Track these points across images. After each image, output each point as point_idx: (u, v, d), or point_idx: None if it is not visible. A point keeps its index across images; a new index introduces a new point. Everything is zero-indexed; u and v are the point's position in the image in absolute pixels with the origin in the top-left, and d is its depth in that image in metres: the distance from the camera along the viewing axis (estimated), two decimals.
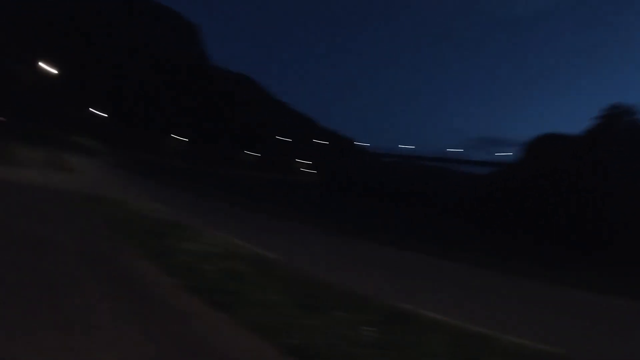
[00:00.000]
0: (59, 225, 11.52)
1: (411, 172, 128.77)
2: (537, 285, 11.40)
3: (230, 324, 6.51)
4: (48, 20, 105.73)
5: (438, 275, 11.04)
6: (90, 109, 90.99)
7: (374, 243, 14.59)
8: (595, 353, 7.11)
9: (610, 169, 43.33)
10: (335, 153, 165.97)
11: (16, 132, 31.07)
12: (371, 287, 7.62)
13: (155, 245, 10.01)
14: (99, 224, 12.53)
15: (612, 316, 10.11)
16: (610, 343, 7.97)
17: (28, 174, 20.23)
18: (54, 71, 32.49)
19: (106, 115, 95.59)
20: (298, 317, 6.35)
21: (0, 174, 17.68)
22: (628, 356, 7.25)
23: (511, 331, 6.68)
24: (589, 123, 56.16)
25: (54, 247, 9.32)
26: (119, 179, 23.37)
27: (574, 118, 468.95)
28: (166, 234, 10.66)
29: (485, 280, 11.12)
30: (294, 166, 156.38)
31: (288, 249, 11.60)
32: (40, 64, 31.40)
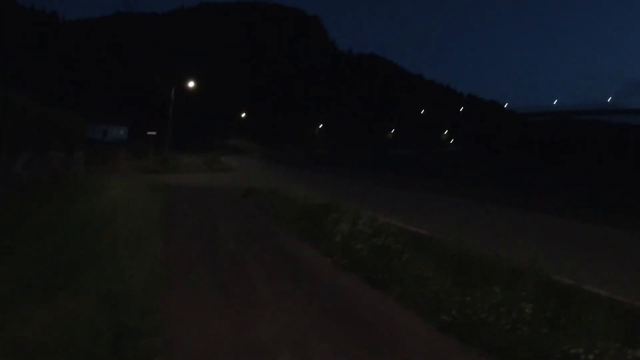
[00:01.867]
0: (223, 216, 13.00)
1: (564, 130, 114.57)
2: None
3: (385, 300, 6.62)
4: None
5: (608, 248, 9.44)
6: (236, 113, 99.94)
7: (535, 212, 13.19)
8: None
9: None
10: (481, 118, 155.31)
11: (174, 144, 35.90)
12: (528, 259, 6.86)
13: (310, 228, 10.62)
14: (257, 212, 13.81)
15: None
16: None
17: (191, 177, 23.40)
18: (194, 85, 36.56)
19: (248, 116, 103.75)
20: (452, 293, 6.28)
21: (169, 179, 20.88)
22: None
23: None
24: None
25: (220, 234, 10.59)
26: (269, 171, 25.43)
27: None
28: (319, 217, 11.20)
29: None
30: (439, 138, 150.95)
31: (443, 224, 11.19)
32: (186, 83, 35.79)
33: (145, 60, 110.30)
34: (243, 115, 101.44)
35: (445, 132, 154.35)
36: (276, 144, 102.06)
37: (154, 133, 29.69)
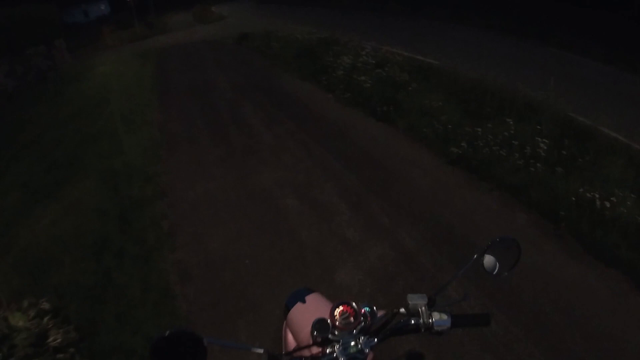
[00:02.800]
0: (219, 67, 12.22)
1: None
2: None
3: (391, 133, 6.34)
4: None
5: (623, 88, 8.47)
6: None
7: (543, 44, 11.82)
8: None
9: None
10: None
11: (159, 4, 32.78)
12: (542, 94, 6.17)
13: (310, 65, 9.89)
14: (253, 57, 12.93)
15: None
16: None
17: (181, 35, 21.82)
18: None
19: None
20: (462, 124, 5.87)
21: (159, 42, 19.56)
22: None
23: None
24: None
25: (217, 86, 10.05)
26: (265, 15, 23.31)
27: None
28: (319, 53, 10.37)
29: None
30: None
31: (450, 54, 10.25)
32: None
33: None
34: None
35: None
36: None
37: None
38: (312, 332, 1.11)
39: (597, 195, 3.98)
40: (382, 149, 5.90)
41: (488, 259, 1.35)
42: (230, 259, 3.94)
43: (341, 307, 1.13)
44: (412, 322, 1.17)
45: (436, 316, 1.16)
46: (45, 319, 3.15)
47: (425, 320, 1.16)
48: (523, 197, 4.45)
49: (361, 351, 1.10)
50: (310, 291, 1.84)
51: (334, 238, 4.07)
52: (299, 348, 1.30)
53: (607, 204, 3.87)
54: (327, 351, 1.11)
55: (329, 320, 1.12)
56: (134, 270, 3.96)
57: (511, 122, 5.43)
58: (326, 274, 3.62)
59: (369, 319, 1.14)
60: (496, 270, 1.34)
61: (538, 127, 5.30)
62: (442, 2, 18.09)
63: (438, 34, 13.69)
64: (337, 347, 1.10)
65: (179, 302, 3.53)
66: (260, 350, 1.05)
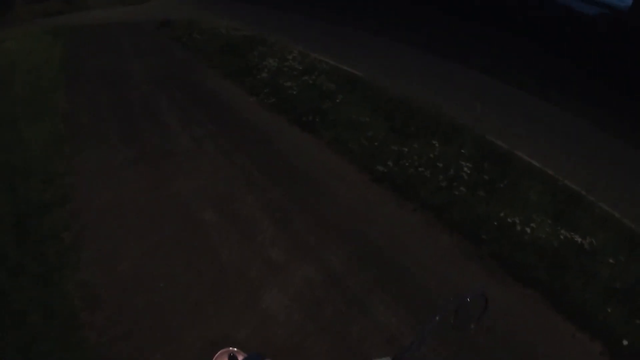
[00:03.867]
0: (136, 55, 11.28)
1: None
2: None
3: (316, 145, 6.17)
4: None
5: (536, 114, 9.19)
6: None
7: (465, 66, 12.50)
8: None
9: None
10: None
11: None
12: (465, 116, 6.39)
13: (234, 63, 9.44)
14: (174, 47, 12.11)
15: None
16: None
17: (100, 14, 20.01)
18: None
19: None
20: (388, 141, 5.81)
21: (75, 19, 17.70)
22: None
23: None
24: None
25: (132, 76, 9.22)
26: (191, 3, 22.16)
27: None
28: (244, 51, 9.94)
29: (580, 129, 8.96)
30: None
31: (375, 66, 10.36)
32: None
33: None
34: None
35: None
36: None
37: None
38: None
39: (517, 220, 4.14)
40: (307, 161, 5.70)
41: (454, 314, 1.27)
42: (144, 281, 3.46)
43: None
44: None
45: None
46: None
47: None
48: (446, 217, 4.51)
49: None
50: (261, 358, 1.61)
51: (258, 258, 3.77)
52: None
53: (528, 230, 4.04)
54: None
55: None
56: (34, 293, 3.32)
57: (436, 144, 5.53)
58: (250, 299, 3.32)
59: None
60: (463, 324, 1.27)
61: (462, 150, 5.45)
62: (367, 12, 18.43)
63: (364, 45, 13.89)
64: None
65: (87, 332, 3.00)
66: None
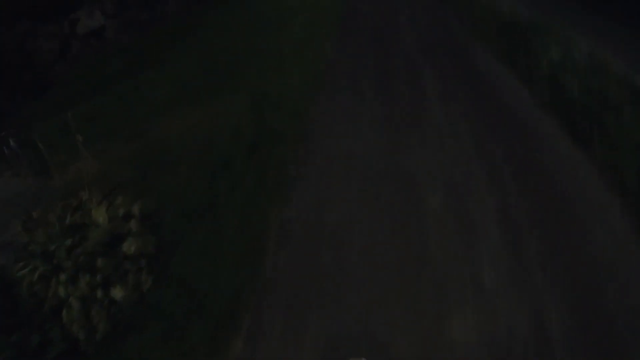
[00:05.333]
0: (409, 20, 11.25)
1: None
2: None
3: (584, 166, 4.94)
4: None
5: None
6: None
7: None
8: None
9: None
10: None
11: None
12: None
13: (511, 48, 8.51)
14: (451, 19, 11.65)
15: None
16: None
17: None
18: None
19: None
20: None
21: None
22: None
23: None
24: None
25: (400, 40, 9.24)
26: None
27: None
28: (525, 35, 8.85)
29: None
30: None
31: None
32: None
33: None
34: None
35: None
36: None
37: None
38: None
39: None
40: (568, 183, 4.64)
41: None
42: (341, 234, 3.56)
43: None
44: None
45: None
46: (131, 222, 3.09)
47: None
48: None
49: None
50: None
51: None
52: None
53: None
54: None
55: None
56: (240, 206, 3.72)
57: None
58: None
59: None
60: None
61: None
62: None
63: None
64: None
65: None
66: None
